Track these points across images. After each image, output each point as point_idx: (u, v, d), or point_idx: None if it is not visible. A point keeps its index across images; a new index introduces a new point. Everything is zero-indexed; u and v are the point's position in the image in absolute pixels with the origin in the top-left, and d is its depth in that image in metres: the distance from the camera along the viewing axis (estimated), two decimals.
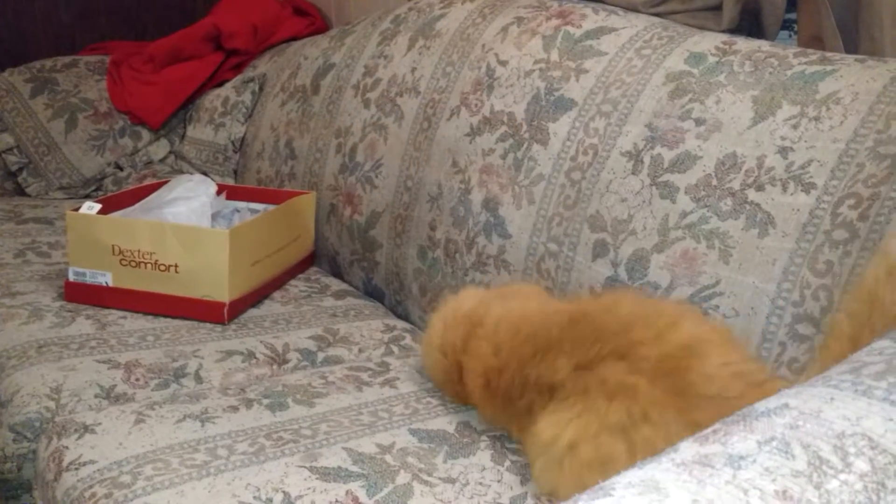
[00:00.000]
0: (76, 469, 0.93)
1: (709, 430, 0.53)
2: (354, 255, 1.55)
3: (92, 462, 0.93)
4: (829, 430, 0.50)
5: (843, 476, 0.46)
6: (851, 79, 0.98)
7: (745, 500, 0.45)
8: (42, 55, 2.23)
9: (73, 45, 2.37)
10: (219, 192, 1.57)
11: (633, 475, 0.48)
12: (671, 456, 0.50)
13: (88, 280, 1.35)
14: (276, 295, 1.46)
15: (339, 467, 0.91)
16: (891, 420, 0.50)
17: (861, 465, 0.47)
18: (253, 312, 1.38)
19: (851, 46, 1.16)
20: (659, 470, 0.48)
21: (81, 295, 1.35)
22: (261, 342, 1.27)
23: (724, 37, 1.17)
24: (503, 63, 1.34)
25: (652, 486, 0.46)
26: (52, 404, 1.09)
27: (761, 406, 0.54)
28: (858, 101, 0.95)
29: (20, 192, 2.07)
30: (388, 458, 0.94)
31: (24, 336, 1.23)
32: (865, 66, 0.99)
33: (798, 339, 0.90)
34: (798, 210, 0.93)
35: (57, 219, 1.82)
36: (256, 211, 1.58)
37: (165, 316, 1.33)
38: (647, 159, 1.09)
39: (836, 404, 0.52)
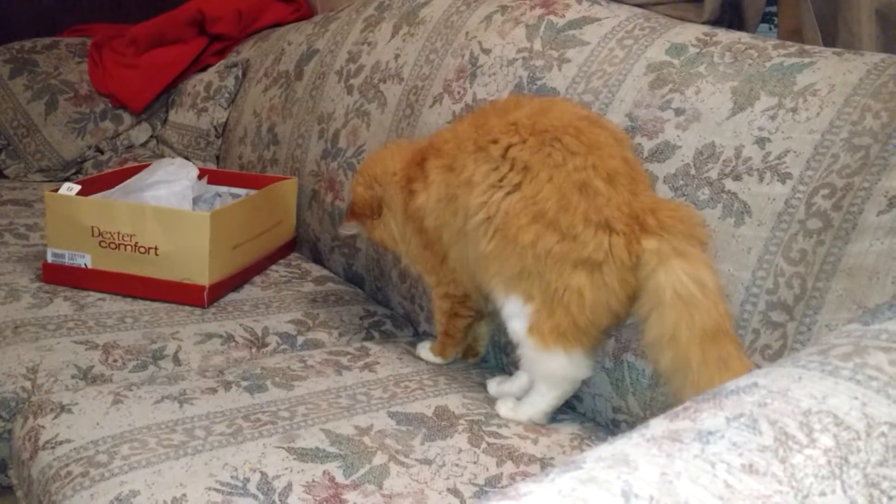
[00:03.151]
0: (52, 448, 0.93)
1: (680, 407, 0.54)
2: (335, 242, 1.55)
3: (68, 441, 0.93)
4: (795, 407, 0.51)
5: (807, 451, 0.47)
6: (828, 71, 0.99)
7: (713, 473, 0.46)
8: (21, 36, 2.21)
9: (53, 26, 2.34)
10: (200, 177, 1.56)
11: (603, 450, 0.49)
12: (641, 431, 0.51)
13: (67, 262, 1.35)
14: (257, 279, 1.46)
15: (317, 448, 0.92)
16: (856, 398, 0.51)
17: (825, 440, 0.48)
18: (233, 296, 1.38)
19: (830, 40, 1.17)
20: (629, 444, 0.49)
21: (60, 276, 1.35)
22: (240, 325, 1.27)
23: (705, 28, 1.18)
24: (486, 51, 1.35)
25: (622, 459, 0.47)
26: (28, 384, 1.09)
27: (731, 385, 0.55)
28: (835, 94, 0.96)
29: None
30: (365, 439, 0.94)
31: (0, 316, 1.22)
32: (842, 59, 1.00)
33: (771, 326, 0.91)
34: (774, 199, 0.95)
35: (35, 201, 1.81)
36: (238, 195, 1.58)
37: (145, 298, 1.32)
38: None
39: (804, 383, 0.53)
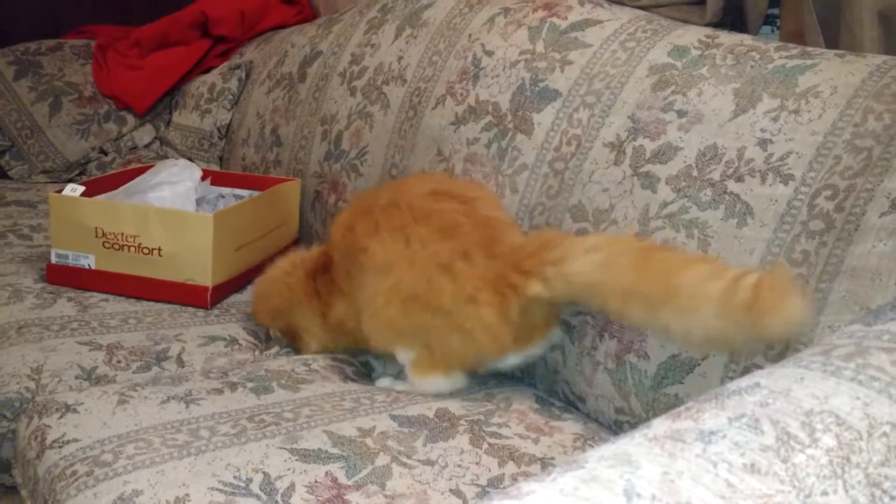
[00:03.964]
0: (59, 447, 0.93)
1: (682, 407, 0.54)
2: None
3: (75, 440, 0.93)
4: (797, 407, 0.51)
5: (809, 451, 0.48)
6: (831, 73, 0.99)
7: (714, 473, 0.46)
8: (26, 38, 2.21)
9: (57, 28, 2.35)
10: (204, 178, 1.57)
11: (605, 449, 0.49)
12: (643, 431, 0.51)
13: (71, 262, 1.35)
14: None
15: (320, 449, 0.92)
16: (857, 399, 0.52)
17: (827, 440, 0.48)
18: (236, 297, 1.38)
19: (832, 42, 1.18)
20: (631, 444, 0.49)
21: (63, 277, 1.35)
22: (243, 328, 1.27)
23: (708, 30, 1.18)
24: (489, 53, 1.35)
25: (624, 459, 0.47)
26: (32, 384, 1.09)
27: (733, 385, 0.56)
28: (837, 95, 0.97)
29: (2, 174, 2.07)
30: (368, 441, 0.94)
31: (4, 317, 1.22)
32: (845, 61, 1.00)
33: None
34: (776, 201, 0.95)
35: (39, 202, 1.81)
36: (241, 197, 1.58)
37: (148, 299, 1.33)
38: (629, 150, 1.10)
39: (806, 384, 0.54)
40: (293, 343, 1.25)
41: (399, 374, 1.14)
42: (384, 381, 1.14)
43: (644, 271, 0.90)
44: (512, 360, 1.12)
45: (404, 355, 1.09)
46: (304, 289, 1.22)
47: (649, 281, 0.89)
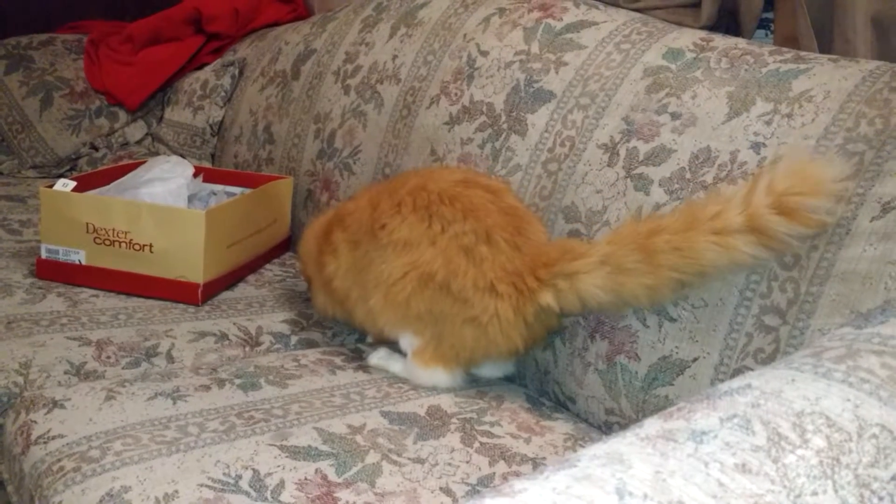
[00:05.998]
0: (45, 443, 0.93)
1: (674, 407, 0.54)
2: None
3: (61, 436, 0.93)
4: (788, 408, 0.51)
5: (800, 451, 0.48)
6: (824, 77, 1.00)
7: (706, 472, 0.46)
8: (17, 32, 2.20)
9: (49, 22, 2.33)
10: (196, 175, 1.56)
11: (597, 448, 0.50)
12: (636, 431, 0.51)
13: (61, 258, 1.34)
14: (251, 278, 1.46)
15: (310, 446, 0.92)
16: (848, 400, 0.52)
17: (818, 441, 0.48)
18: (227, 295, 1.38)
19: (826, 46, 1.18)
20: (623, 443, 0.49)
21: (53, 272, 1.34)
22: (234, 324, 1.27)
23: (702, 33, 1.18)
24: (484, 53, 1.35)
25: (616, 458, 0.47)
26: (20, 379, 1.08)
27: (725, 386, 0.56)
28: (830, 100, 0.97)
29: None
30: (358, 438, 0.94)
31: None
32: (838, 66, 1.01)
33: (764, 330, 0.92)
34: None
35: (29, 197, 1.80)
36: (233, 194, 1.58)
37: (139, 296, 1.32)
38: (622, 152, 1.11)
39: (797, 385, 0.54)
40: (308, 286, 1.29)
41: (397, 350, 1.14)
42: (379, 354, 1.14)
43: (657, 262, 0.91)
44: (507, 368, 1.13)
45: (409, 341, 1.08)
46: (318, 243, 1.22)
47: (669, 268, 0.90)
